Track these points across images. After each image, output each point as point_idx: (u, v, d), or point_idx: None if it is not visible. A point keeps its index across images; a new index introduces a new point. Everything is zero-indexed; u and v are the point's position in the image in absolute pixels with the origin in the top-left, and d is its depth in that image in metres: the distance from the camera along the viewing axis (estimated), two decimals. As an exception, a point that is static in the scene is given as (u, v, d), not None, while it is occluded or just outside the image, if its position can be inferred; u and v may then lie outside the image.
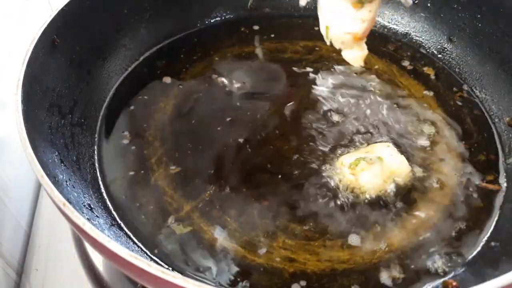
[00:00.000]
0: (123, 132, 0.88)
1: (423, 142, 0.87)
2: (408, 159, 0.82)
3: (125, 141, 0.87)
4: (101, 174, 0.82)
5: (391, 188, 0.78)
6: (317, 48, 1.06)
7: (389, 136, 0.87)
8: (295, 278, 0.69)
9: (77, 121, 0.84)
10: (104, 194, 0.79)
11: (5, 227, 0.82)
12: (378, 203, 0.77)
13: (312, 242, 0.73)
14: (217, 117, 0.90)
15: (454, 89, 0.98)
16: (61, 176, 0.71)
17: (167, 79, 0.98)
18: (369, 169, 0.78)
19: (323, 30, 0.77)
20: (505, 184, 0.82)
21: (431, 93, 0.97)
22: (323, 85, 0.97)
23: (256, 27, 1.11)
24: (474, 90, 0.98)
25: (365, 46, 0.79)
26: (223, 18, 1.13)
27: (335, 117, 0.90)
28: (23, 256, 0.84)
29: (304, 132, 0.88)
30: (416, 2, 1.08)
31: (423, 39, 1.08)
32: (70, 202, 0.58)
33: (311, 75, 1.00)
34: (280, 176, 0.81)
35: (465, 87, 0.99)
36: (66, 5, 0.83)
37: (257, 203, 0.77)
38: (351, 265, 0.71)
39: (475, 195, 0.80)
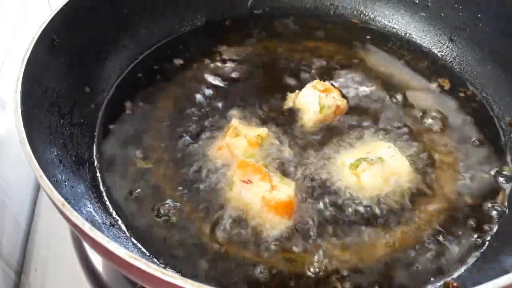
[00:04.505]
0: (122, 132, 0.88)
1: (424, 141, 0.87)
2: (408, 159, 0.82)
3: (125, 141, 0.86)
4: (100, 174, 0.81)
5: (392, 188, 0.78)
6: (317, 48, 1.06)
7: (390, 136, 0.87)
8: (295, 278, 0.69)
9: (77, 121, 0.84)
10: (103, 194, 0.79)
11: (5, 227, 0.82)
12: (379, 203, 0.77)
13: (312, 243, 0.73)
14: (217, 116, 0.90)
15: (455, 88, 0.98)
16: (60, 176, 0.71)
17: (167, 79, 0.98)
18: (370, 169, 0.78)
19: None
20: (506, 184, 0.81)
21: (432, 93, 0.97)
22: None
23: (256, 27, 1.11)
24: (475, 89, 0.98)
25: None
26: (223, 17, 1.13)
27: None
28: (22, 256, 0.84)
29: (304, 131, 0.88)
30: (416, 2, 1.08)
31: (423, 38, 1.08)
32: (69, 202, 0.58)
33: (311, 75, 0.99)
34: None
35: (465, 86, 0.99)
36: (65, 5, 0.83)
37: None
38: (352, 266, 0.71)
39: (476, 195, 0.80)
